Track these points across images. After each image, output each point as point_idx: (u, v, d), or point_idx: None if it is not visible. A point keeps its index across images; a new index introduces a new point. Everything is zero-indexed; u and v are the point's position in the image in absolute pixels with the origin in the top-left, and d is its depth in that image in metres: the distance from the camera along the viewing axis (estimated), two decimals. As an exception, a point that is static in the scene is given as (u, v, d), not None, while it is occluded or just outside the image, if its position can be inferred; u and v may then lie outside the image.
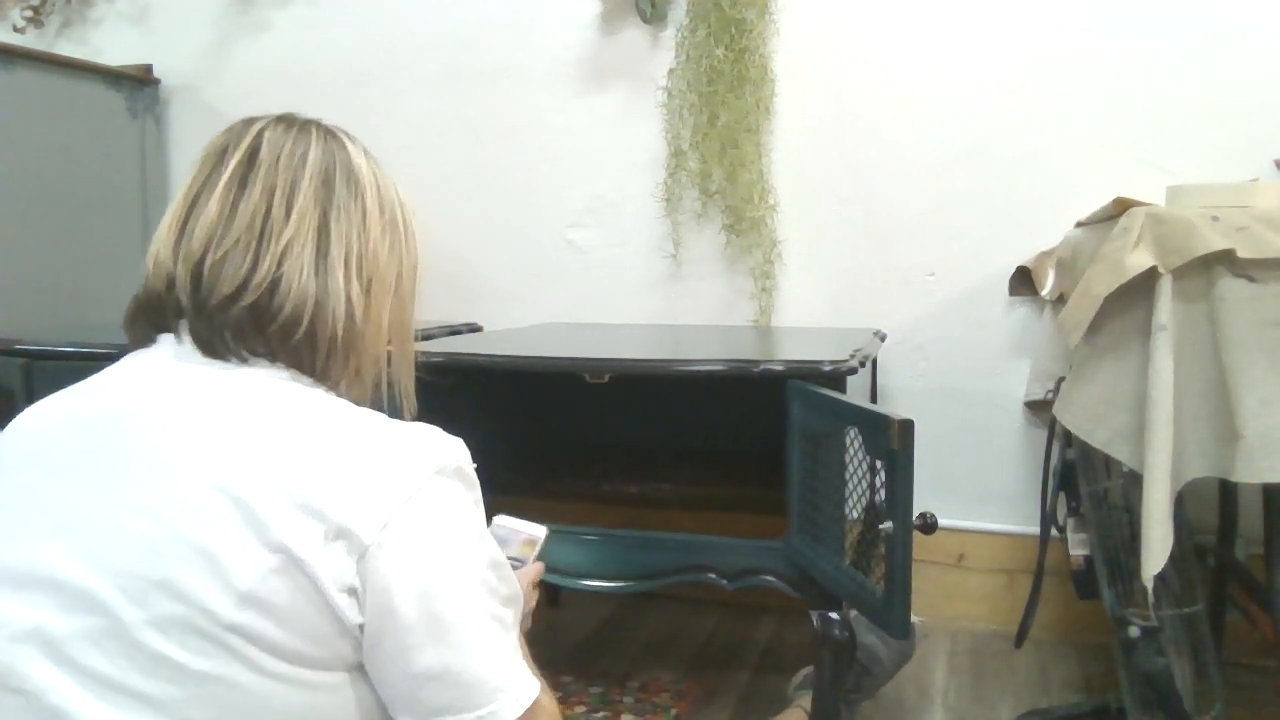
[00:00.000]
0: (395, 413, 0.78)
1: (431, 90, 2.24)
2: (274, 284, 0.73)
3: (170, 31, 2.47)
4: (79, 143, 2.26)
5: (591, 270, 2.18)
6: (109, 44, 2.50)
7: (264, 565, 0.63)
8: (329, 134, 0.80)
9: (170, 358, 0.74)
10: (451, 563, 0.69)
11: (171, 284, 0.74)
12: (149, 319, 0.76)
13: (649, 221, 2.12)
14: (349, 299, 0.76)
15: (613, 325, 2.11)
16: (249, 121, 0.79)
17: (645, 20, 2.06)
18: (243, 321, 0.72)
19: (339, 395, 0.77)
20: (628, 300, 2.16)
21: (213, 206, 0.74)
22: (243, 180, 0.75)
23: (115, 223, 2.36)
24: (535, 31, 2.17)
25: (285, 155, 0.76)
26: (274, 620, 0.63)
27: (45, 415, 0.74)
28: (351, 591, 0.65)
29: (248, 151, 0.76)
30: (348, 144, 0.81)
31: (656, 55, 2.09)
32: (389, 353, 0.84)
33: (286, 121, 0.79)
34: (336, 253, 0.76)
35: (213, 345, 0.73)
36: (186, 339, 0.74)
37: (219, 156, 0.76)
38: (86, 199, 2.28)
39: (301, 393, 0.74)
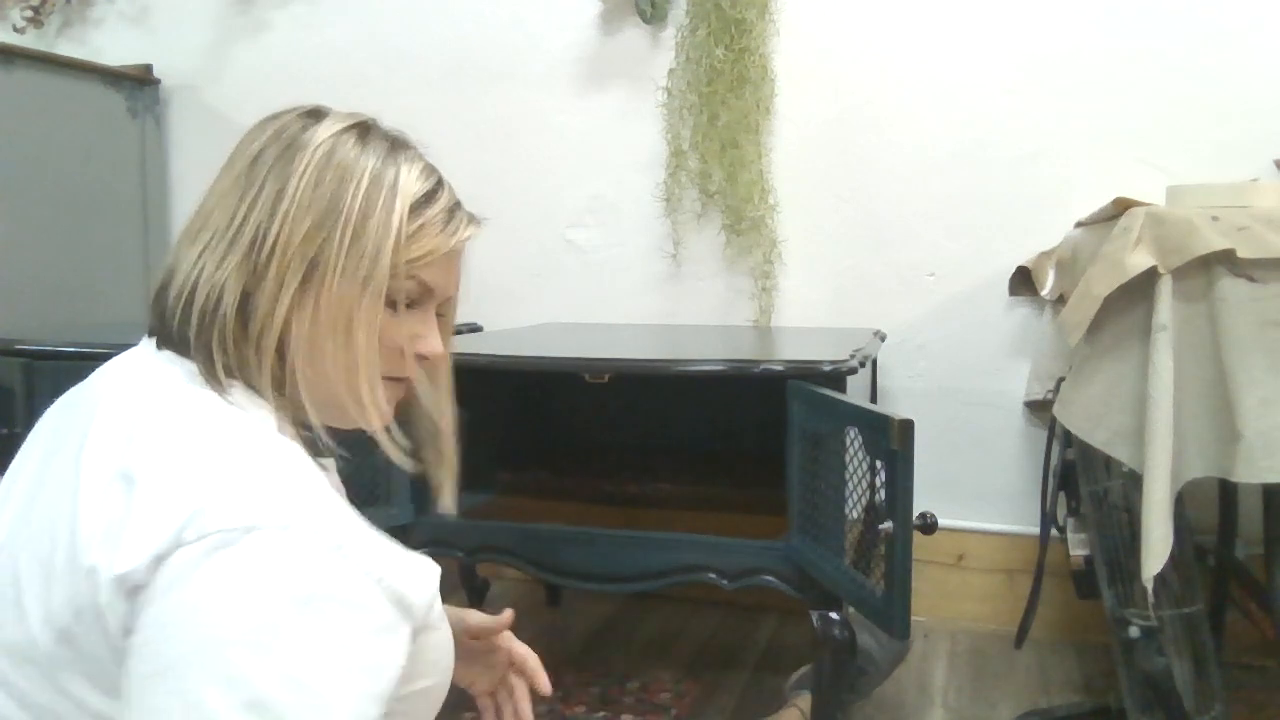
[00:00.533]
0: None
1: (431, 90, 2.24)
2: (172, 270, 0.71)
3: (170, 31, 2.47)
4: (79, 143, 2.26)
5: (591, 270, 2.18)
6: (109, 44, 2.50)
7: (73, 597, 0.58)
8: (305, 118, 0.73)
9: (137, 354, 0.73)
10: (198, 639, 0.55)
11: None
12: None
13: (649, 221, 2.12)
14: (220, 284, 0.68)
15: (613, 325, 2.11)
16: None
17: (645, 20, 2.06)
18: (159, 310, 0.71)
19: (288, 401, 0.70)
20: (628, 300, 2.16)
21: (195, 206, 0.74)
22: (216, 179, 0.74)
23: (115, 223, 2.36)
24: (535, 31, 2.17)
25: (243, 147, 0.73)
26: (84, 658, 0.59)
27: (52, 413, 0.75)
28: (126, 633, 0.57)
29: (232, 151, 0.74)
30: (317, 127, 0.72)
31: (656, 55, 2.09)
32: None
33: (277, 113, 0.75)
34: (228, 235, 0.69)
35: (155, 337, 0.72)
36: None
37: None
38: (86, 199, 2.28)
39: (183, 391, 0.67)
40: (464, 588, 2.06)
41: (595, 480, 1.69)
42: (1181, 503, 1.26)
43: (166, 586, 0.55)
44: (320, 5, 2.33)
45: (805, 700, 1.42)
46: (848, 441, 1.20)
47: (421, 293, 0.74)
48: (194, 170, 2.43)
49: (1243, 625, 1.61)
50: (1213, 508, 1.64)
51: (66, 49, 2.47)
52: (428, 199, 0.74)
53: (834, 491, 1.22)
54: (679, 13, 2.05)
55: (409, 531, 1.46)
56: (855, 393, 1.33)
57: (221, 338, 0.68)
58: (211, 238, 0.69)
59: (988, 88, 1.90)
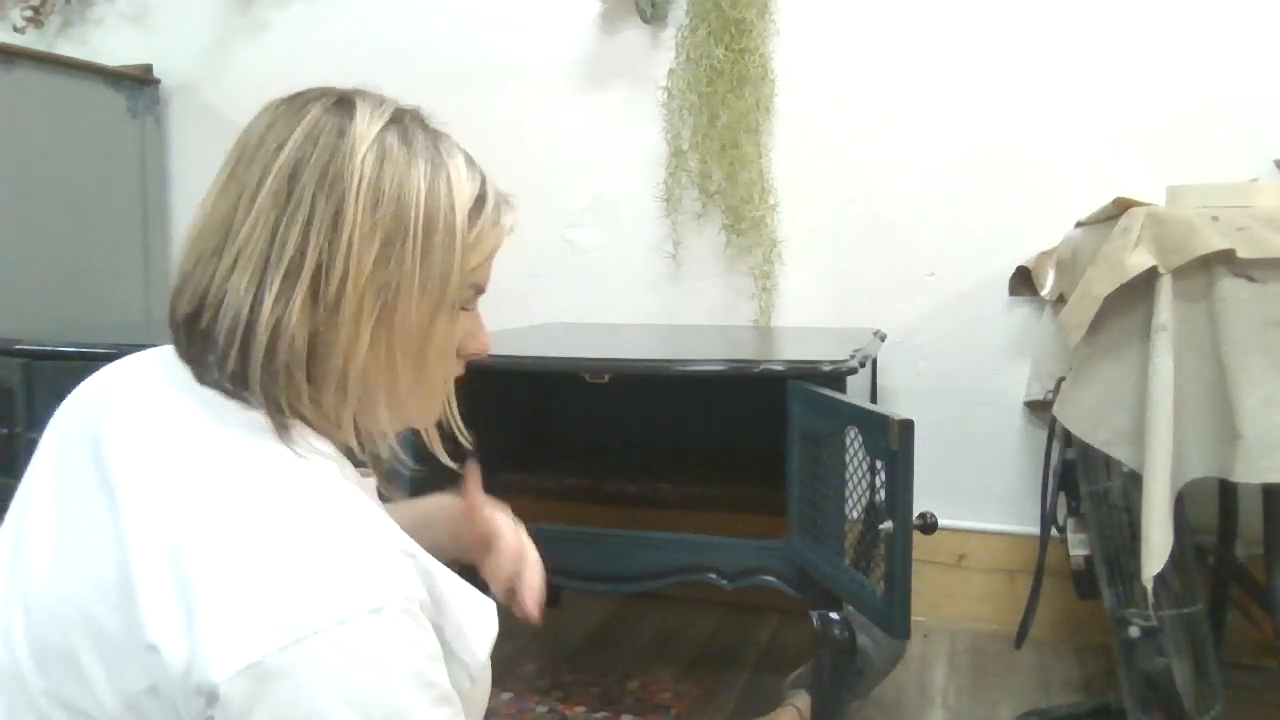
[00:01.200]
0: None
1: (431, 90, 2.21)
2: (219, 303, 0.62)
3: (170, 31, 2.47)
4: (79, 143, 2.26)
5: (591, 270, 2.18)
6: (109, 44, 2.50)
7: (142, 673, 0.54)
8: (334, 109, 0.67)
9: (160, 372, 0.67)
10: None
11: (171, 288, 0.67)
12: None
13: (649, 221, 2.12)
14: (285, 323, 0.62)
15: (613, 325, 2.11)
16: (270, 102, 0.70)
17: (645, 20, 2.06)
18: (201, 345, 0.64)
19: (353, 439, 0.67)
20: (628, 300, 2.16)
21: (205, 207, 0.66)
22: (229, 177, 0.66)
23: (115, 223, 2.36)
24: (535, 31, 2.17)
25: (266, 145, 0.65)
26: None
27: (66, 409, 0.70)
28: None
29: (240, 142, 0.67)
30: (353, 124, 0.66)
31: (656, 55, 2.09)
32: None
33: (292, 100, 0.69)
34: (283, 266, 0.62)
35: (191, 367, 0.65)
36: (177, 357, 0.67)
37: (235, 142, 0.68)
38: (86, 199, 2.28)
39: (246, 450, 0.61)
40: (464, 588, 2.06)
41: (595, 480, 1.69)
42: (1181, 503, 1.26)
43: (265, 697, 0.51)
44: (320, 5, 2.33)
45: (803, 700, 1.42)
46: (848, 441, 1.20)
47: (476, 294, 0.73)
48: (194, 170, 2.44)
49: (1243, 625, 1.61)
50: (1213, 508, 1.64)
51: (66, 49, 2.47)
52: (480, 200, 0.72)
53: (834, 491, 1.22)
54: (679, 13, 2.05)
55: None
56: (855, 393, 1.33)
57: (290, 381, 0.62)
58: (253, 261, 0.62)
59: (988, 87, 1.90)
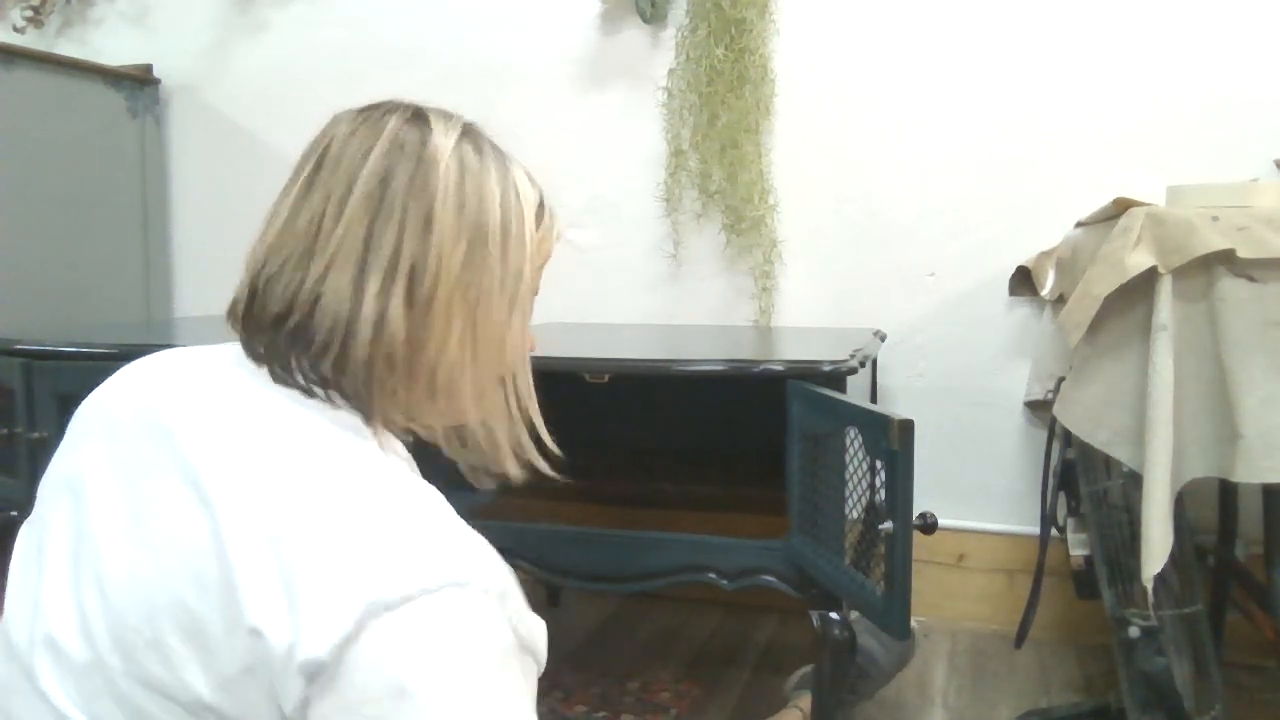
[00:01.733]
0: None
1: (431, 90, 2.21)
2: (314, 303, 0.65)
3: (170, 31, 2.47)
4: (79, 143, 2.26)
5: (591, 270, 2.18)
6: (109, 44, 2.50)
7: (239, 656, 0.56)
8: (412, 122, 0.71)
9: (231, 369, 0.68)
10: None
11: (244, 290, 0.69)
12: (232, 321, 0.70)
13: (649, 221, 2.12)
14: (386, 320, 0.65)
15: (613, 325, 2.11)
16: (341, 114, 0.73)
17: (645, 20, 2.06)
18: (289, 344, 0.66)
19: (430, 435, 0.72)
20: (628, 300, 2.16)
21: (281, 212, 0.68)
22: (309, 183, 0.68)
23: (115, 223, 2.36)
24: (535, 31, 2.17)
25: (350, 153, 0.68)
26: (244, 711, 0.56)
27: (109, 400, 0.70)
28: None
29: (321, 148, 0.70)
30: (433, 135, 0.70)
31: (656, 55, 2.09)
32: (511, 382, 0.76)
33: (368, 112, 0.72)
34: (380, 266, 0.65)
35: (269, 366, 0.66)
36: (247, 354, 0.68)
37: (306, 152, 0.70)
38: (86, 199, 2.28)
39: (336, 444, 0.63)
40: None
41: (595, 480, 1.69)
42: (1181, 503, 1.26)
43: (359, 666, 0.53)
44: (320, 5, 2.33)
45: (806, 700, 1.42)
46: (848, 441, 1.20)
47: (534, 296, 0.77)
48: (194, 170, 2.43)
49: (1243, 625, 1.61)
50: (1213, 508, 1.64)
51: (66, 49, 2.47)
52: (541, 207, 0.76)
53: (834, 491, 1.22)
54: (679, 13, 2.06)
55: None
56: (855, 393, 1.33)
57: (383, 380, 0.66)
58: (351, 261, 0.65)
59: (988, 87, 1.90)
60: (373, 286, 0.65)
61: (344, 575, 0.55)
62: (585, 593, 1.98)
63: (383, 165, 0.68)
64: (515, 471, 0.80)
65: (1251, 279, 1.20)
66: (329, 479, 0.61)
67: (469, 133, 0.73)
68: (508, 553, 1.41)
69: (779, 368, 1.33)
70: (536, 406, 0.80)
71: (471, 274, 0.68)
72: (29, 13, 2.55)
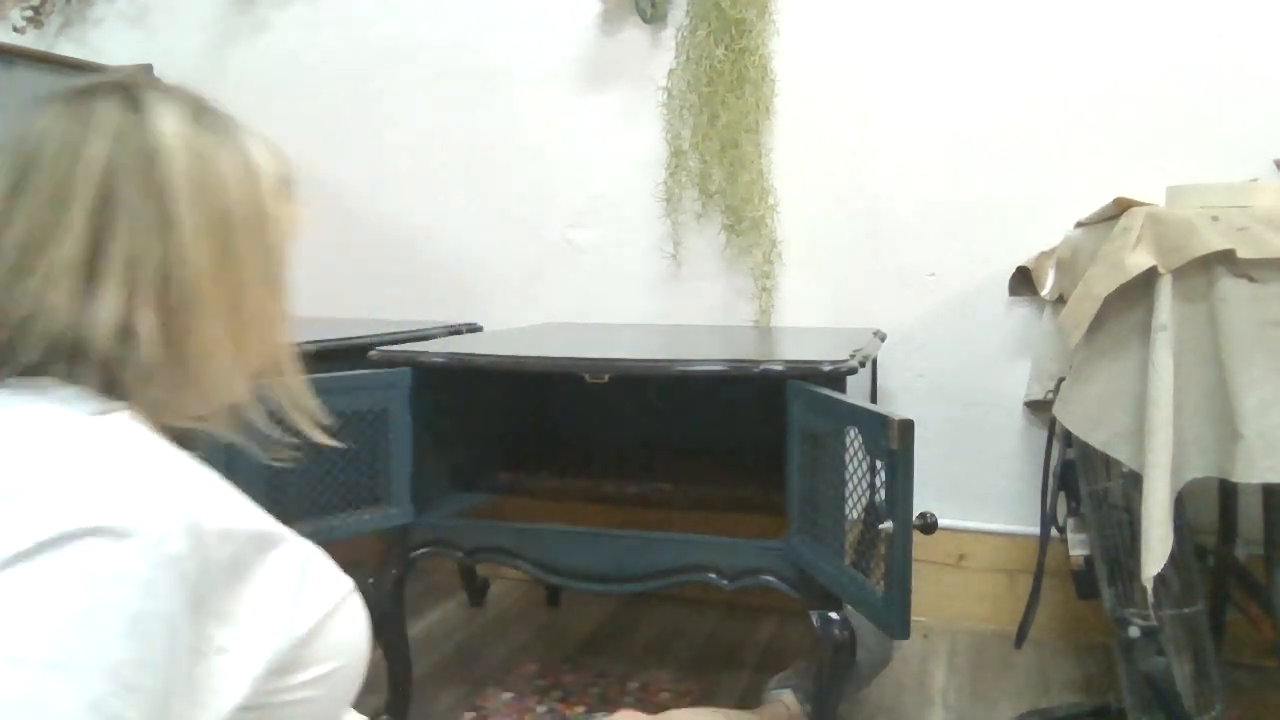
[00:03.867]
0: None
1: (431, 90, 2.24)
2: (27, 321, 0.59)
3: (170, 31, 2.47)
4: (79, 143, 2.26)
5: (591, 270, 2.18)
6: (109, 44, 2.50)
7: None
8: (125, 105, 0.63)
9: None
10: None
11: None
12: None
13: (649, 221, 2.12)
14: (133, 332, 0.60)
15: (613, 325, 2.11)
16: (42, 103, 0.65)
17: (645, 20, 2.06)
18: (19, 368, 0.61)
19: (210, 425, 0.70)
20: (628, 300, 2.16)
21: None
22: (13, 191, 0.61)
23: (115, 223, 2.36)
24: (535, 31, 2.17)
25: (59, 150, 0.61)
26: None
27: None
28: None
29: (23, 150, 0.62)
30: (152, 119, 0.63)
31: (656, 55, 2.09)
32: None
33: (72, 99, 0.64)
34: (116, 275, 0.60)
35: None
36: None
37: (2, 156, 0.64)
38: (86, 199, 2.28)
39: (21, 409, 0.59)
40: (464, 588, 2.06)
41: (595, 480, 1.69)
42: (1181, 503, 1.26)
43: None
44: (320, 5, 2.33)
45: (789, 697, 1.42)
46: (848, 441, 1.20)
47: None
48: (194, 170, 2.43)
49: (1243, 625, 1.61)
50: (1213, 508, 1.64)
51: (66, 49, 2.47)
52: (283, 178, 0.72)
53: (834, 491, 1.22)
54: (679, 13, 2.06)
55: (409, 532, 1.46)
56: (855, 393, 1.33)
57: (142, 389, 0.62)
58: (76, 275, 0.60)
59: (988, 87, 1.90)
60: (110, 299, 0.60)
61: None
62: (585, 593, 1.98)
63: (99, 162, 0.61)
64: (318, 436, 0.77)
65: (1251, 279, 1.20)
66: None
67: (193, 108, 0.67)
68: (508, 553, 1.43)
69: (779, 368, 1.33)
70: (302, 376, 0.76)
71: (224, 267, 0.64)
72: (29, 13, 2.55)
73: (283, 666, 0.64)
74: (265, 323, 0.69)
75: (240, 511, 0.63)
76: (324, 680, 0.68)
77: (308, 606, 0.66)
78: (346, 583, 0.72)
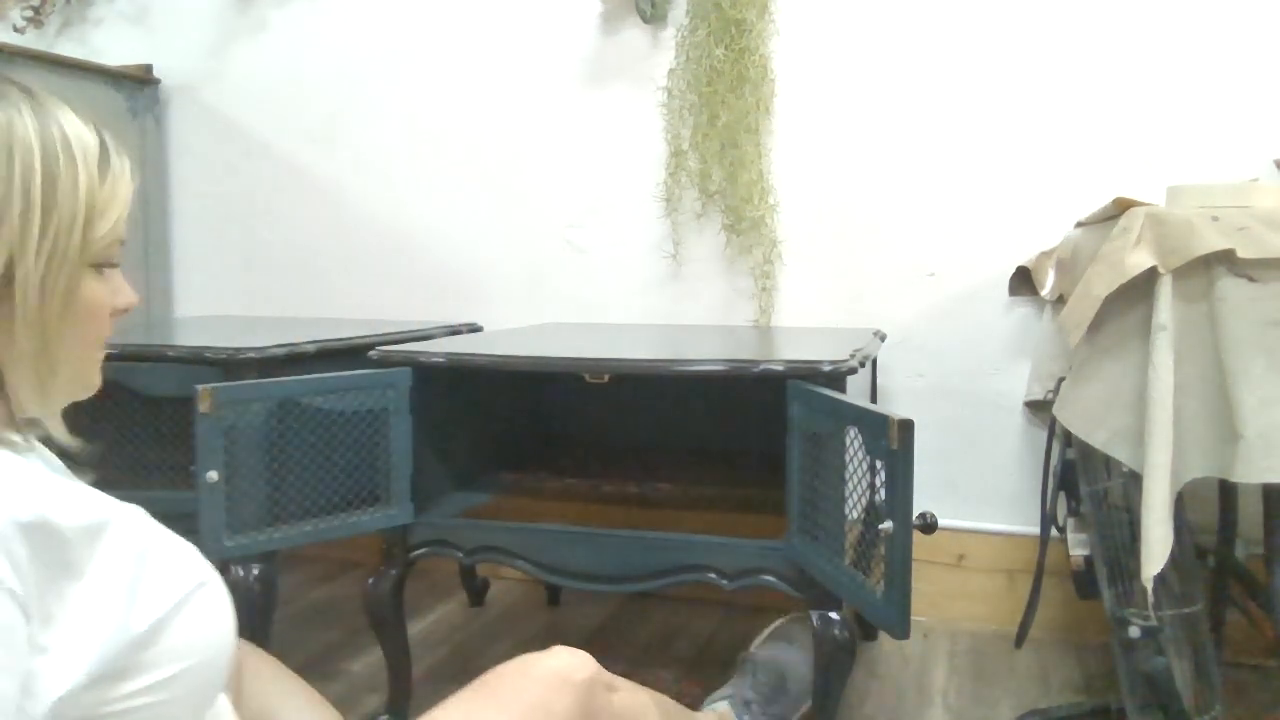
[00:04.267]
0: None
1: (431, 90, 2.24)
2: None
3: (170, 31, 2.47)
4: (79, 143, 2.26)
5: (591, 270, 2.18)
6: (109, 44, 2.50)
7: None
8: None
9: None
10: None
11: None
12: None
13: (649, 221, 2.13)
14: None
15: (613, 325, 2.11)
16: None
17: (645, 20, 2.06)
18: None
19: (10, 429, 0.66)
20: (628, 300, 2.16)
21: None
22: None
23: (115, 223, 2.36)
24: (535, 31, 2.17)
25: None
26: None
27: None
28: None
29: None
30: None
31: (656, 55, 2.09)
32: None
33: None
34: None
35: None
36: None
37: None
38: (86, 199, 2.28)
39: None
40: (464, 588, 2.06)
41: (595, 480, 1.69)
42: (1181, 503, 1.26)
43: None
44: (320, 5, 2.33)
45: (724, 709, 1.41)
46: (848, 441, 1.20)
47: (119, 247, 0.71)
48: (194, 170, 2.44)
49: (1243, 625, 1.61)
50: (1213, 508, 1.64)
51: (66, 49, 2.47)
52: (104, 149, 0.68)
53: (834, 491, 1.22)
54: (679, 13, 2.06)
55: (409, 532, 1.46)
56: (855, 393, 1.33)
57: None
58: None
59: (988, 87, 1.90)
60: None
61: None
62: (585, 593, 1.98)
63: None
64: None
65: (1251, 279, 1.20)
66: None
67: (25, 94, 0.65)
68: (508, 553, 1.43)
69: (779, 368, 1.33)
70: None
71: (40, 247, 0.62)
72: (29, 13, 2.55)
73: (117, 671, 0.60)
74: (69, 308, 0.66)
75: (63, 504, 0.60)
76: (169, 684, 0.64)
77: (146, 601, 0.62)
78: (200, 573, 0.68)
